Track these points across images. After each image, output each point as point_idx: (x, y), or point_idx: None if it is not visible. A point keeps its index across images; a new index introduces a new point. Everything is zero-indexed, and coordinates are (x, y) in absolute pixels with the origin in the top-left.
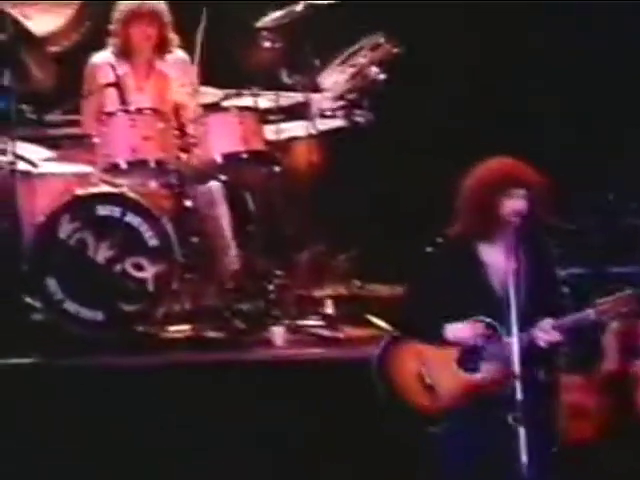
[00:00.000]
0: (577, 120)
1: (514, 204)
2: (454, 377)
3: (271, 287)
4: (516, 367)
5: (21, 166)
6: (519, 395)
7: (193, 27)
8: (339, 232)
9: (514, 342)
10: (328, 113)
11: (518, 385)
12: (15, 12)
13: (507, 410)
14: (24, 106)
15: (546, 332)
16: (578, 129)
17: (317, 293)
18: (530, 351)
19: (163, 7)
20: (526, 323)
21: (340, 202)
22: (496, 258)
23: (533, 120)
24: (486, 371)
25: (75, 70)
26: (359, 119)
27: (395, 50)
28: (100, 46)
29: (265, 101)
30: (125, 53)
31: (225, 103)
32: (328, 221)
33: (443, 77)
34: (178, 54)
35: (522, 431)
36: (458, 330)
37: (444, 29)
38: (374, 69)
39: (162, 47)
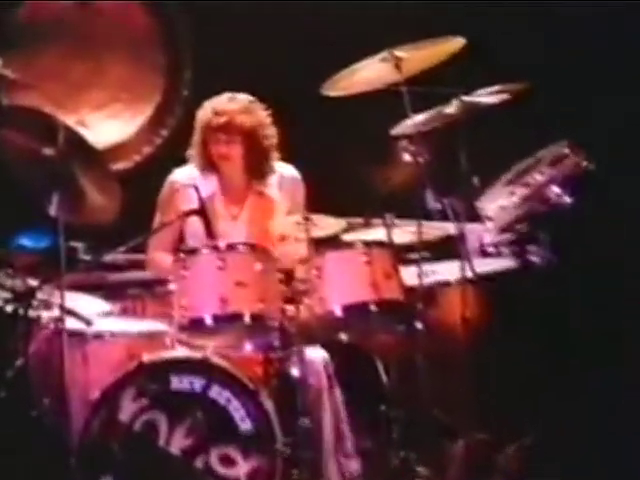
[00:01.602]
0: None
1: None
2: None
3: None
4: None
5: (70, 324)
6: None
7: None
8: (506, 414)
9: None
10: (491, 250)
11: None
12: (68, 119)
13: None
14: (76, 243)
15: None
16: None
17: None
18: None
19: (253, 117)
20: None
21: (508, 372)
22: None
23: None
24: None
25: (146, 194)
26: (534, 258)
27: (584, 164)
28: (182, 161)
29: (403, 234)
30: (210, 171)
31: (348, 237)
32: (491, 399)
33: None
34: (284, 170)
35: None
36: None
37: None
38: (555, 190)
39: (255, 168)
